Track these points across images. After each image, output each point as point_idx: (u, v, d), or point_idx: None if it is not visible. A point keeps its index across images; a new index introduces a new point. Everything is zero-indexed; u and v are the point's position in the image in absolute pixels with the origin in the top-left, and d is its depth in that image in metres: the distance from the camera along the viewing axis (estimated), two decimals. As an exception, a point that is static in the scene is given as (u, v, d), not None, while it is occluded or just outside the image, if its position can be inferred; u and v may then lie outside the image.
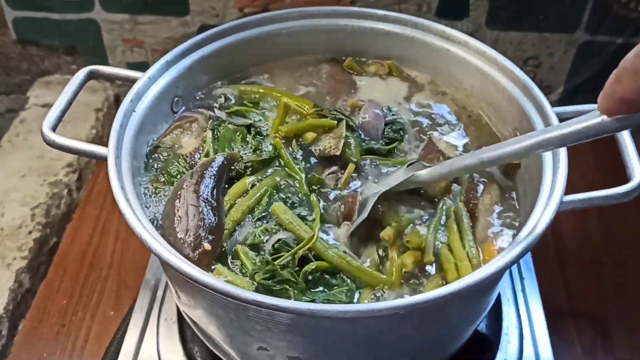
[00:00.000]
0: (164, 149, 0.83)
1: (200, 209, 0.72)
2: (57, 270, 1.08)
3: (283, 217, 0.74)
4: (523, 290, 0.94)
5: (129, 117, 0.77)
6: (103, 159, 0.72)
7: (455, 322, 0.74)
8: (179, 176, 0.79)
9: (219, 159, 0.79)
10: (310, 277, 0.70)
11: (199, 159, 0.81)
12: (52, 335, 0.98)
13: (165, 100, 0.85)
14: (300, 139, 0.84)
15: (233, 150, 0.82)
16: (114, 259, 1.09)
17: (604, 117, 0.55)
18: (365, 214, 0.73)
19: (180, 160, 0.81)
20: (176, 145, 0.84)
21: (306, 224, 0.74)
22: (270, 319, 0.62)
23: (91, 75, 0.83)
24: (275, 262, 0.69)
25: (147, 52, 1.32)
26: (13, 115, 1.32)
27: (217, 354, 0.80)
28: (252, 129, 0.86)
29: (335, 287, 0.70)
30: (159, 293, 0.93)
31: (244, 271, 0.71)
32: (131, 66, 1.35)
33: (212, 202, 0.74)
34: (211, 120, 0.87)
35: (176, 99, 0.86)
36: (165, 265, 0.67)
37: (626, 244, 1.11)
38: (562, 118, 0.76)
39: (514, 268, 0.97)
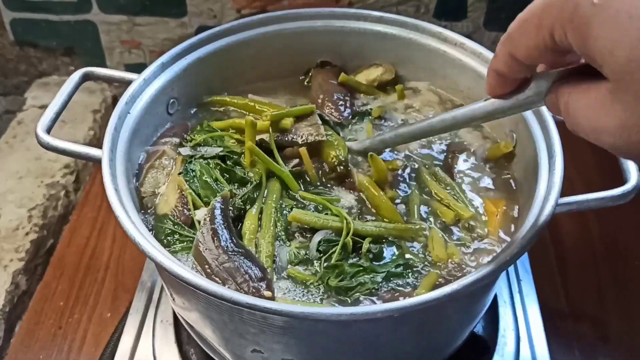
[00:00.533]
0: (148, 199, 0.78)
1: (237, 265, 0.68)
2: (54, 272, 1.07)
3: (308, 219, 0.73)
4: (520, 291, 0.94)
5: (123, 119, 0.77)
6: (97, 162, 0.72)
7: (451, 324, 0.74)
8: (181, 238, 0.74)
9: (217, 206, 0.73)
10: (371, 256, 0.71)
11: (188, 211, 0.75)
12: (48, 337, 0.98)
13: (161, 102, 0.84)
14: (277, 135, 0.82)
15: (217, 189, 0.77)
16: (110, 261, 1.09)
17: (491, 99, 0.61)
18: None
19: (168, 222, 0.74)
20: (157, 190, 0.78)
21: (325, 213, 0.75)
22: (264, 322, 0.62)
23: (86, 77, 0.82)
24: (333, 259, 0.70)
25: (144, 53, 1.32)
26: (10, 116, 1.32)
27: (213, 356, 0.79)
28: (228, 159, 0.81)
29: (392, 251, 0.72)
30: (155, 295, 0.93)
31: (303, 291, 0.70)
32: (129, 67, 1.35)
33: (240, 250, 0.70)
34: (179, 157, 0.81)
35: (172, 100, 0.86)
36: (159, 268, 0.67)
37: (626, 245, 1.10)
38: (558, 120, 0.76)
39: (511, 269, 0.97)
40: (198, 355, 0.85)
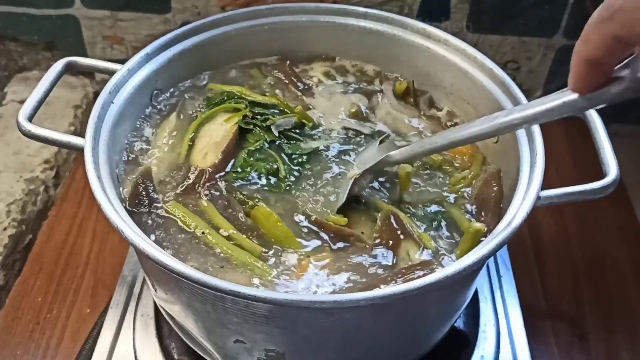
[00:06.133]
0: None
1: None
2: (32, 268, 1.06)
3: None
4: (500, 287, 0.95)
5: (107, 108, 0.77)
6: (79, 150, 0.71)
7: (433, 316, 0.74)
8: None
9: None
10: None
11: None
12: (26, 333, 0.97)
13: (145, 93, 0.84)
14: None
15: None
16: (90, 257, 1.08)
17: (566, 95, 0.57)
18: (343, 198, 0.76)
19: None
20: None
21: None
22: (247, 310, 0.62)
23: (69, 66, 0.81)
24: None
25: (127, 49, 1.32)
26: (-11, 111, 1.30)
27: (194, 348, 0.79)
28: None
29: None
30: (136, 289, 0.92)
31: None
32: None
33: None
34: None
35: (155, 91, 0.86)
36: (142, 257, 0.66)
37: (602, 243, 1.12)
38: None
39: (492, 265, 0.98)
40: (179, 349, 0.85)
